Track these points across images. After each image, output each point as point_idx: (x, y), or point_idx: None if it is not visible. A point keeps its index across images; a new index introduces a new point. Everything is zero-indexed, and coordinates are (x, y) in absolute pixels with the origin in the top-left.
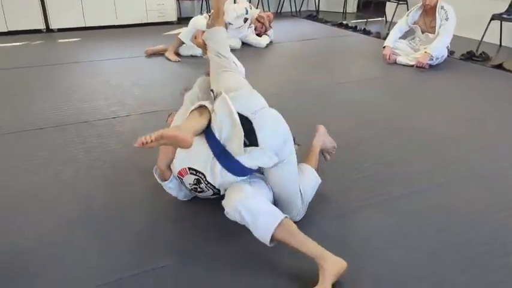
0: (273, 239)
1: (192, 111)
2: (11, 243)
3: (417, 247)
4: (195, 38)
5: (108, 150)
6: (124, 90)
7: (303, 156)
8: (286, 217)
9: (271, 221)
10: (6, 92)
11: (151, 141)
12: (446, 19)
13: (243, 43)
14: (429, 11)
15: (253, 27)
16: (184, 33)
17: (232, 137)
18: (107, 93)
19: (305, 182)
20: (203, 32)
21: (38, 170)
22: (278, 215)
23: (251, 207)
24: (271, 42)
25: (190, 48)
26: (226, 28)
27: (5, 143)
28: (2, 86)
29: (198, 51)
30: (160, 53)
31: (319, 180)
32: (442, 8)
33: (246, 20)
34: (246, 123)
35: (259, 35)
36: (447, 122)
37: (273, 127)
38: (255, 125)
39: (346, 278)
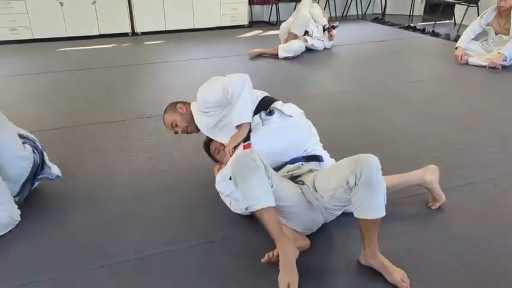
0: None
1: None
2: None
3: (495, 224)
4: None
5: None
6: None
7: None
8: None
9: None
10: (108, 87)
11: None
12: None
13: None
14: (503, 13)
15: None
16: (295, 27)
17: None
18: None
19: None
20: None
21: (152, 149)
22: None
23: None
24: (332, 45)
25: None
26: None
27: (119, 128)
28: (103, 82)
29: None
30: (263, 55)
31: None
32: None
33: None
34: None
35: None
36: None
37: None
38: None
39: (436, 244)
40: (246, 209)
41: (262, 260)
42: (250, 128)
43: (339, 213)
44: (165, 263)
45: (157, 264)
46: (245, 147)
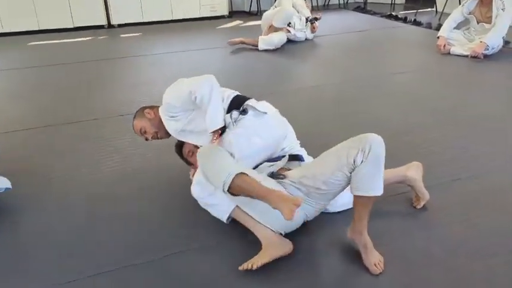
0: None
1: None
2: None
3: (481, 223)
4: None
5: None
6: None
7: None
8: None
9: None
10: (82, 83)
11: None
12: (503, 9)
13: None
14: (485, 1)
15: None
16: (276, 20)
17: None
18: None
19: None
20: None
21: (125, 149)
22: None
23: None
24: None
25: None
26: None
27: (92, 127)
28: (76, 78)
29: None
30: (243, 44)
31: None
32: None
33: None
34: None
35: None
36: (504, 110)
37: None
38: None
39: (418, 247)
40: (223, 189)
41: (240, 268)
42: (225, 127)
43: (324, 205)
44: (136, 277)
45: (126, 279)
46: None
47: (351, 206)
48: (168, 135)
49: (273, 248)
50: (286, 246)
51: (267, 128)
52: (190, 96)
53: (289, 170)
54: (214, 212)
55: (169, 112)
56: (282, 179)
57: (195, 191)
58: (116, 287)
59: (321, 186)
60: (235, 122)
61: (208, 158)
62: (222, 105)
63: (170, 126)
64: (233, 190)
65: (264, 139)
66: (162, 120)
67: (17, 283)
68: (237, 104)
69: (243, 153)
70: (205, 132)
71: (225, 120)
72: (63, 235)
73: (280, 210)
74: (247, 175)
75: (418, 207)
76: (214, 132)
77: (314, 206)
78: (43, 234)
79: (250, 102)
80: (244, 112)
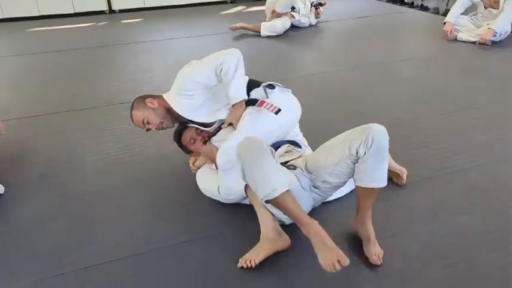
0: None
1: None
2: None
3: (483, 216)
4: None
5: None
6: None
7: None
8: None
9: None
10: (81, 70)
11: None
12: None
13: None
14: None
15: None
16: (278, 5)
17: None
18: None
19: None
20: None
21: (124, 138)
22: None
23: None
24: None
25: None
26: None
27: (90, 116)
28: (75, 65)
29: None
30: (246, 30)
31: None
32: None
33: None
34: None
35: None
36: (510, 99)
37: None
38: None
39: (419, 240)
40: (262, 199)
41: (238, 265)
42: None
43: (331, 194)
44: (131, 268)
45: (121, 271)
46: (261, 104)
47: (346, 192)
48: (172, 124)
49: (270, 243)
50: (284, 242)
51: (293, 105)
52: (215, 70)
53: (297, 158)
54: (227, 183)
55: (186, 91)
56: (293, 169)
57: (220, 158)
58: (110, 279)
59: (327, 178)
60: (267, 95)
61: (253, 159)
62: (245, 79)
63: (184, 106)
64: (271, 202)
65: (289, 116)
66: (172, 103)
67: (9, 274)
68: (253, 86)
69: (268, 129)
70: (224, 108)
71: (248, 95)
72: (59, 226)
73: (321, 257)
74: (291, 195)
75: (404, 182)
76: (236, 105)
77: (322, 195)
78: (38, 225)
79: (268, 83)
80: (271, 87)
